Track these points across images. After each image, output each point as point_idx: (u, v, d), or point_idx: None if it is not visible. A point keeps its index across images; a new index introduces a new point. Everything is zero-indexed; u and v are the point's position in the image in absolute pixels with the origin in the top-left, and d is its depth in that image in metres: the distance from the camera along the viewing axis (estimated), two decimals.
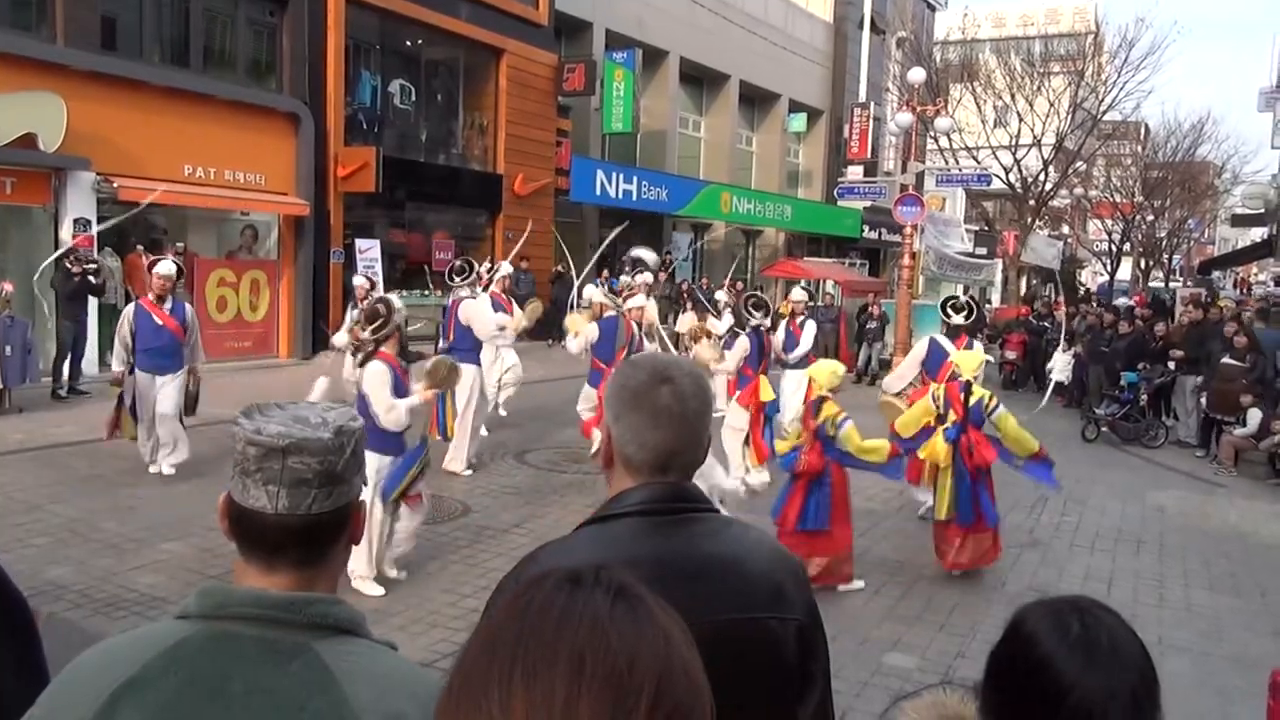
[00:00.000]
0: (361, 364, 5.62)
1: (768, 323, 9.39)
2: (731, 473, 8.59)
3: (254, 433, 1.19)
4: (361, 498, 1.31)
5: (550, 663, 0.68)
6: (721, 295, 14.54)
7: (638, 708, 0.67)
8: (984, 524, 6.35)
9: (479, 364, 8.98)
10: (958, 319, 7.94)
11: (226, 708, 1.11)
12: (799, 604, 1.47)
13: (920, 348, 8.35)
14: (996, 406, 6.39)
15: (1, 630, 1.49)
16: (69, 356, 11.11)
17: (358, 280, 9.64)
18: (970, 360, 6.58)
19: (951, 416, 6.32)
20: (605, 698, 0.66)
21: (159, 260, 8.34)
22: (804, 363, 10.25)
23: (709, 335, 8.98)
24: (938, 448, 6.29)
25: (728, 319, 12.04)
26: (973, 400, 6.31)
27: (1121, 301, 23.18)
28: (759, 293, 11.22)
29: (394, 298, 6.10)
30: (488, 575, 5.93)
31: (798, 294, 10.97)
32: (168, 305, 7.96)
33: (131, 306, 8.13)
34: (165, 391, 7.82)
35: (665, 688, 0.68)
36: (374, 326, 5.61)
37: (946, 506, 6.29)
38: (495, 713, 0.67)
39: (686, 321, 19.25)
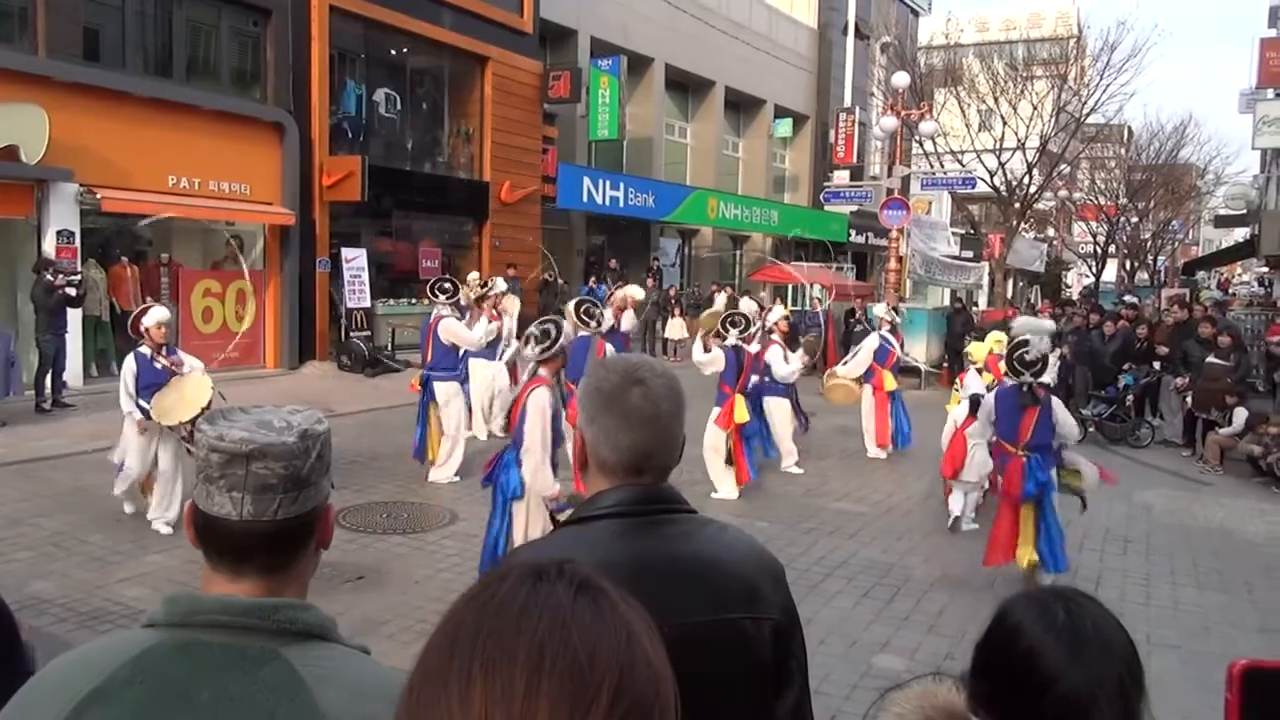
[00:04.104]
0: None
1: (753, 340, 9.02)
2: (722, 490, 8.58)
3: (216, 439, 1.17)
4: (329, 501, 1.29)
5: (510, 656, 0.67)
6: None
7: (598, 700, 0.66)
8: None
9: (459, 381, 8.94)
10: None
11: (194, 716, 1.09)
12: (775, 604, 1.47)
13: (873, 342, 10.81)
14: None
15: None
16: (51, 369, 11.03)
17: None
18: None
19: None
20: (565, 690, 0.66)
21: None
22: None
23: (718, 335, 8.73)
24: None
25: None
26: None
27: (1128, 298, 23.15)
28: (737, 309, 9.72)
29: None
30: None
31: (704, 319, 8.87)
32: None
33: None
34: None
35: (626, 681, 0.68)
36: None
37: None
38: (454, 705, 0.66)
39: (675, 327, 19.32)
